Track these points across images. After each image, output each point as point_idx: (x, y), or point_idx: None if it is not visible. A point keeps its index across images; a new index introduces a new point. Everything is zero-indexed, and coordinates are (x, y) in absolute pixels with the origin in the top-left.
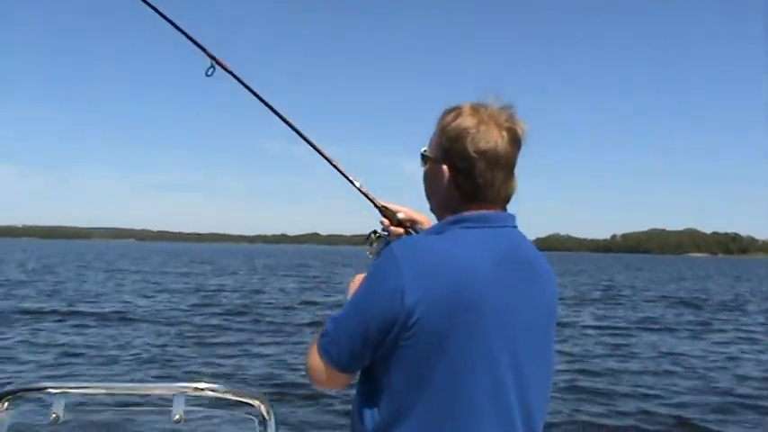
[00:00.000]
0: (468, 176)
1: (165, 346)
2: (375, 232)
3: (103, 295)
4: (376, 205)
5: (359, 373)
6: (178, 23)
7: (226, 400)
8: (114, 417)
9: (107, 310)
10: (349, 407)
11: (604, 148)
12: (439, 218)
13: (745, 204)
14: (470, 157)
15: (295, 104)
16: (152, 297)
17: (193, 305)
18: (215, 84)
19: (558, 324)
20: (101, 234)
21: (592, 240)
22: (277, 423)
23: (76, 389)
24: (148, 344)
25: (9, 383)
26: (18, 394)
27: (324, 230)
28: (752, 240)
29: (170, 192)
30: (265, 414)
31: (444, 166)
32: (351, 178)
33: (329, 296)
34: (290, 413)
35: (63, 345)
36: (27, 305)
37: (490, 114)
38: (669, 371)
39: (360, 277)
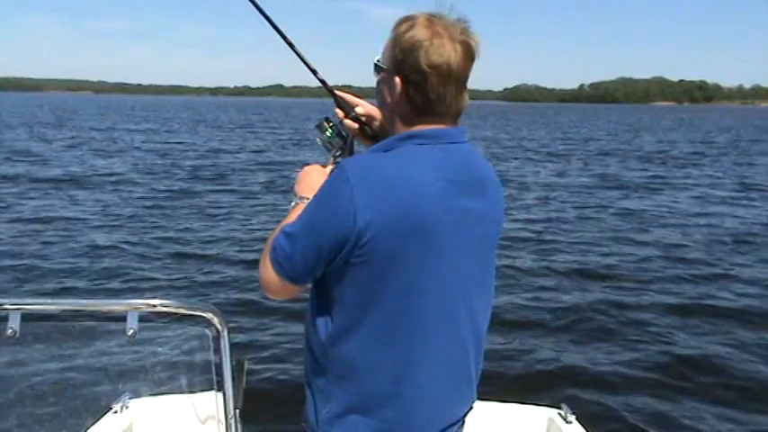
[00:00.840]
0: (419, 90)
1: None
2: (328, 120)
3: (58, 156)
4: (332, 94)
5: (312, 283)
6: None
7: (179, 315)
8: (69, 332)
9: (59, 173)
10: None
11: None
12: (391, 129)
13: (714, 52)
14: (423, 70)
15: None
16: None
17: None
18: None
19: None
20: (54, 85)
21: (560, 90)
22: (230, 336)
23: (32, 305)
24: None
25: None
26: None
27: (288, 82)
28: (717, 88)
29: (126, 41)
30: (219, 326)
31: (397, 78)
32: (312, 67)
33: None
34: (245, 324)
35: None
36: None
37: (445, 27)
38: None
39: (310, 170)
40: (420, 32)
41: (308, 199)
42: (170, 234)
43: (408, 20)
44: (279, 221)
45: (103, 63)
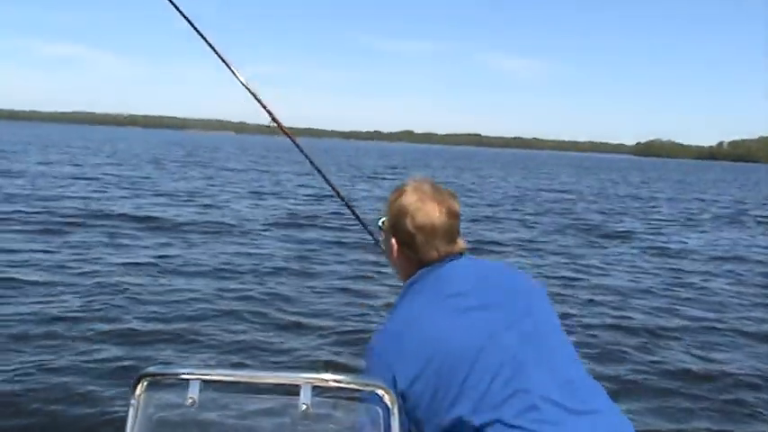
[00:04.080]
0: (410, 248)
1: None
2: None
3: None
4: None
5: None
6: None
7: (350, 389)
8: (244, 403)
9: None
10: None
11: (713, 45)
12: (399, 276)
13: None
14: (410, 232)
15: None
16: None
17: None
18: None
19: None
20: (198, 125)
21: (696, 147)
22: (401, 411)
23: (211, 375)
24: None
25: (150, 365)
26: (156, 377)
27: (418, 128)
28: None
29: (262, 84)
30: (389, 403)
31: (393, 239)
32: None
33: None
34: None
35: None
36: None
37: (428, 192)
38: None
39: None
40: (407, 198)
41: None
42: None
43: (398, 189)
44: None
45: (242, 105)
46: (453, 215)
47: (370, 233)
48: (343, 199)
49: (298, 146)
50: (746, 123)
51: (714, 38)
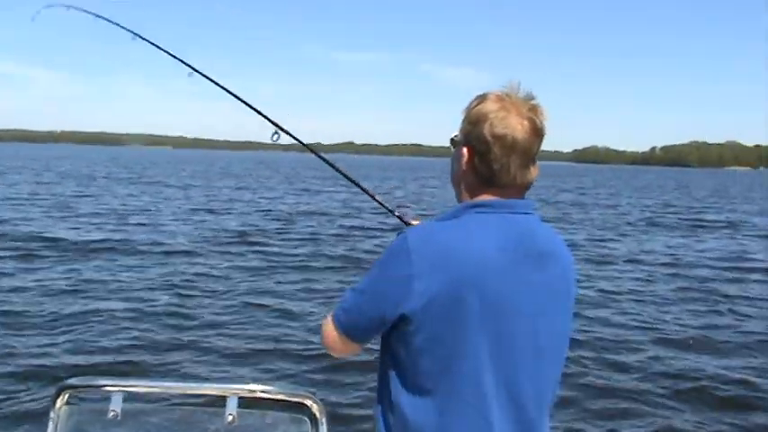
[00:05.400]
0: (484, 160)
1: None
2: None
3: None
4: (393, 213)
5: (380, 344)
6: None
7: (277, 400)
8: (169, 414)
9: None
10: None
11: (648, 57)
12: (458, 198)
13: None
14: (487, 140)
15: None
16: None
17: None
18: None
19: None
20: (135, 140)
21: (631, 153)
22: (329, 422)
23: (134, 387)
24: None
25: (69, 376)
26: (78, 389)
27: (359, 139)
28: None
29: (203, 98)
30: (317, 414)
31: (465, 149)
32: (371, 193)
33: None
34: (341, 407)
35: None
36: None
37: (513, 103)
38: None
39: None
40: (488, 105)
41: None
42: (268, 311)
43: (480, 96)
44: None
45: (183, 119)
46: (538, 133)
47: (400, 218)
48: (373, 196)
49: (327, 161)
50: (678, 129)
51: (644, 48)
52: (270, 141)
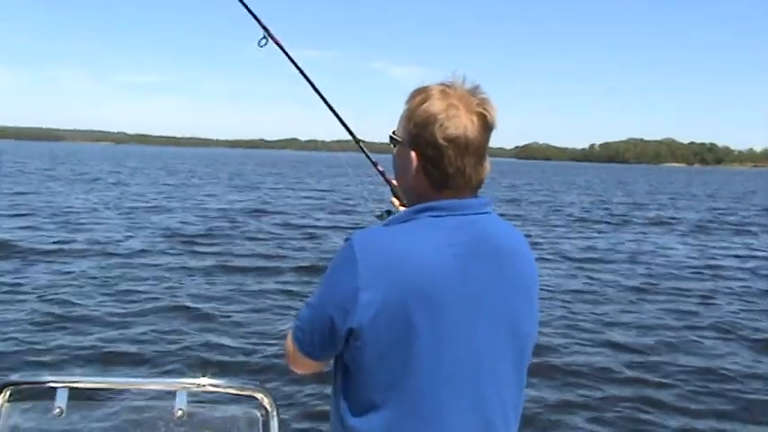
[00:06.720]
0: (436, 165)
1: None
2: (389, 212)
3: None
4: (389, 183)
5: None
6: None
7: (227, 394)
8: (116, 411)
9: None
10: None
11: (586, 55)
12: (408, 201)
13: (724, 115)
14: (439, 144)
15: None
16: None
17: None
18: None
19: None
20: (76, 136)
21: (571, 149)
22: (279, 415)
23: (80, 383)
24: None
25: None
26: (21, 386)
27: (303, 135)
28: (728, 151)
29: (150, 94)
30: (268, 407)
31: (412, 153)
32: (373, 160)
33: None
34: (292, 400)
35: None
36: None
37: (460, 97)
38: None
39: None
40: (434, 105)
41: None
42: (214, 304)
43: (422, 92)
44: None
45: (126, 115)
46: (489, 127)
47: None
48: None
49: (373, 162)
50: (616, 126)
51: (585, 47)
52: (214, 138)
